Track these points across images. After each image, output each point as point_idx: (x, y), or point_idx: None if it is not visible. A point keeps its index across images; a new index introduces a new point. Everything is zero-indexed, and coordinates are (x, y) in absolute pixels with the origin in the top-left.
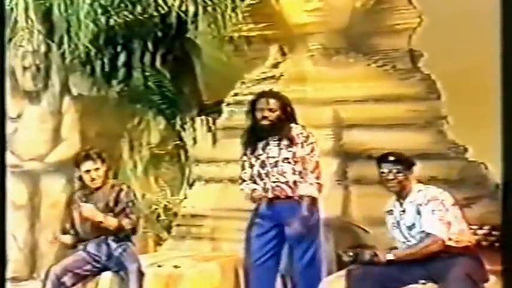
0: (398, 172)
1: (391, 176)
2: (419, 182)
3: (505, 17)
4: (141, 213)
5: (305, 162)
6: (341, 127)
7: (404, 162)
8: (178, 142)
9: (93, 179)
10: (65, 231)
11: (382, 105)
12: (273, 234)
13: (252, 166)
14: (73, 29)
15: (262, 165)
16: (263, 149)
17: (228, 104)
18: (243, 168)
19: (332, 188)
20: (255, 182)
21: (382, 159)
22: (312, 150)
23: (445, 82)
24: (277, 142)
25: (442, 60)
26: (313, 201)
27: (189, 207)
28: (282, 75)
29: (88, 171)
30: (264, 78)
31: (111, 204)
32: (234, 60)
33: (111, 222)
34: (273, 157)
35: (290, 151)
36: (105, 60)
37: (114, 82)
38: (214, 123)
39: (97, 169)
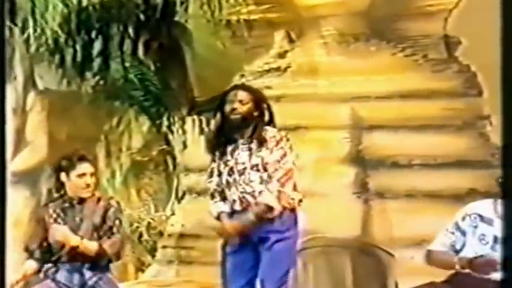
0: None
1: None
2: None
3: None
4: (126, 235)
5: (274, 170)
6: (360, 129)
7: None
8: (164, 147)
9: (87, 185)
10: (29, 253)
11: (410, 103)
12: (249, 257)
13: (220, 174)
14: (39, 10)
15: (230, 172)
16: (231, 154)
17: None
18: (210, 176)
19: (349, 202)
20: (223, 196)
21: None
22: (283, 157)
23: (487, 75)
24: (247, 146)
25: (483, 48)
26: (268, 210)
27: (177, 226)
28: (289, 67)
29: (83, 174)
30: (268, 70)
31: (97, 221)
32: (231, 48)
33: (90, 246)
34: (242, 163)
35: (259, 156)
36: (78, 48)
37: (88, 74)
38: (208, 124)
39: (92, 174)
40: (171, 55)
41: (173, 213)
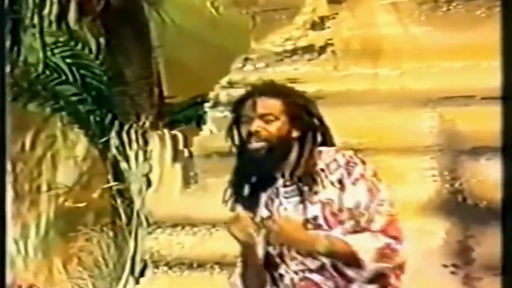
0: None
1: None
2: None
3: None
4: None
5: (371, 216)
6: (457, 152)
7: None
8: (113, 184)
9: None
10: None
11: None
12: None
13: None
14: None
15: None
16: (266, 205)
17: (216, 104)
18: None
19: (437, 279)
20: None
21: None
22: (373, 192)
23: None
24: (293, 188)
25: None
26: (352, 259)
27: None
28: (330, 45)
29: None
30: (292, 51)
31: None
32: (229, 14)
33: None
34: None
35: (318, 201)
36: None
37: None
38: (186, 144)
39: None
40: (124, 24)
41: None
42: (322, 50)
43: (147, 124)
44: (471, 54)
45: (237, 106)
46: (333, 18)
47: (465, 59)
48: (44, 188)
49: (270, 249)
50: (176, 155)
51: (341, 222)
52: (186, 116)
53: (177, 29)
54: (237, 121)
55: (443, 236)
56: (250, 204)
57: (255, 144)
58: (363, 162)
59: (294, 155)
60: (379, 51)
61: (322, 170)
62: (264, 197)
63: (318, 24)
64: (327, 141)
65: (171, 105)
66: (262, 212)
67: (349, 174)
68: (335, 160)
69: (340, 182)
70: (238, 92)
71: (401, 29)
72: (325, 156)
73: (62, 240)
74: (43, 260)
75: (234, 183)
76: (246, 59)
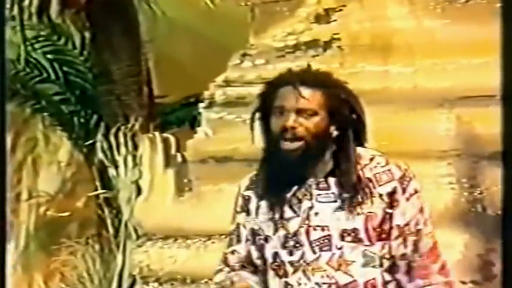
0: None
1: None
2: None
3: None
4: None
5: (414, 238)
6: (475, 158)
7: None
8: (99, 192)
9: None
10: None
11: None
12: None
13: (257, 239)
14: None
15: (290, 241)
16: (291, 206)
17: (211, 104)
18: (230, 242)
19: None
20: None
21: None
22: (422, 211)
23: None
24: (330, 191)
25: None
26: None
27: None
28: (336, 40)
29: None
30: (295, 46)
31: None
32: (226, 6)
33: None
34: (322, 227)
35: (361, 213)
36: None
37: None
38: (179, 148)
39: None
40: (111, 17)
41: None
42: (328, 45)
43: (137, 126)
44: (491, 50)
45: (267, 94)
46: (340, 10)
47: (485, 55)
48: (24, 196)
49: (283, 253)
50: (168, 160)
51: (384, 239)
52: (179, 117)
53: (168, 22)
54: (262, 109)
55: (461, 250)
56: (276, 201)
57: (289, 145)
58: (415, 177)
59: (329, 154)
60: (390, 46)
61: (369, 179)
62: (287, 195)
63: (323, 17)
64: (361, 140)
65: (162, 106)
66: (286, 212)
67: (404, 189)
68: (389, 171)
69: (391, 196)
70: (235, 91)
71: (414, 22)
72: (374, 164)
73: (43, 254)
74: (22, 276)
75: (260, 179)
76: (244, 55)
